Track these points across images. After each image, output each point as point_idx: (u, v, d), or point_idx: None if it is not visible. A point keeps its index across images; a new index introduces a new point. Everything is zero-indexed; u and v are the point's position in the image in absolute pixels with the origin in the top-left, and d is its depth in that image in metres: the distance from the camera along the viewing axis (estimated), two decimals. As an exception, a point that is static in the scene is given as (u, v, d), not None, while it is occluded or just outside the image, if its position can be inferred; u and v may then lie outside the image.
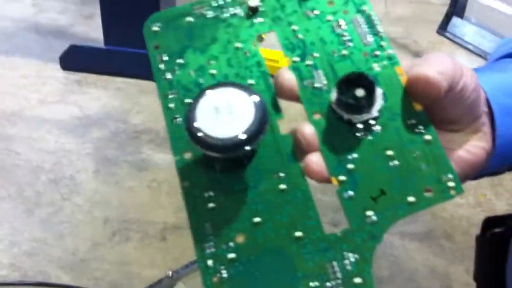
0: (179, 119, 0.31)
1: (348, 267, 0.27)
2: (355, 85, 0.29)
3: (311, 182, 0.30)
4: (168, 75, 0.32)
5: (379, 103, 0.30)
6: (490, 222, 0.45)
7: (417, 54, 1.81)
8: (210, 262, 0.28)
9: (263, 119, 0.28)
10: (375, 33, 0.32)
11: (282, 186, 0.29)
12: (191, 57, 0.32)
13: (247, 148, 0.27)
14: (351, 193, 0.29)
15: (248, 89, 0.29)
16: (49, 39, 1.89)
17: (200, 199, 0.29)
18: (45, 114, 1.57)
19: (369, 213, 0.28)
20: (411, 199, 0.28)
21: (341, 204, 0.29)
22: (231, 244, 0.28)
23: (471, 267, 0.48)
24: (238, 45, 0.32)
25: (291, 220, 0.29)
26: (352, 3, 0.33)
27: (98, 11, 1.71)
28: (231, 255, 0.28)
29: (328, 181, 0.29)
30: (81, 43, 1.77)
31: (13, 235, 1.23)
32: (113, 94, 1.66)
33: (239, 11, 0.33)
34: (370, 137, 0.30)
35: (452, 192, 0.29)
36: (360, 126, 0.30)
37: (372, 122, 0.30)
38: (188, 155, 0.30)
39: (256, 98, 0.28)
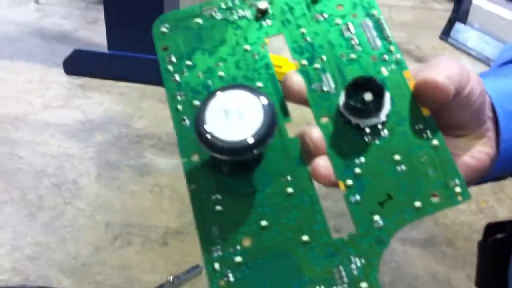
0: (187, 121, 0.31)
1: (355, 272, 0.27)
2: (363, 89, 0.29)
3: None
4: (177, 77, 0.32)
5: (387, 107, 0.30)
6: (492, 228, 0.45)
7: (419, 60, 1.81)
8: (217, 266, 0.28)
9: (272, 122, 0.28)
10: (384, 38, 0.32)
11: (290, 190, 0.29)
12: (200, 58, 0.32)
13: (256, 151, 0.27)
14: (358, 197, 0.29)
15: (258, 92, 0.29)
16: (53, 44, 1.89)
17: (207, 202, 0.29)
18: (48, 118, 1.58)
19: (376, 217, 0.28)
20: (418, 204, 0.28)
21: (348, 209, 0.29)
22: (238, 247, 0.28)
23: (473, 273, 0.47)
24: (247, 47, 0.32)
25: (298, 224, 0.28)
26: (361, 7, 0.33)
27: (102, 16, 1.71)
28: (238, 259, 0.28)
29: (335, 185, 0.29)
30: (85, 48, 1.77)
31: (15, 239, 1.24)
32: (116, 99, 1.66)
33: (248, 13, 0.33)
34: (377, 142, 0.30)
35: (459, 197, 0.29)
36: (367, 130, 0.30)
37: (379, 126, 0.30)
38: (195, 157, 0.30)
39: (265, 101, 0.28)
